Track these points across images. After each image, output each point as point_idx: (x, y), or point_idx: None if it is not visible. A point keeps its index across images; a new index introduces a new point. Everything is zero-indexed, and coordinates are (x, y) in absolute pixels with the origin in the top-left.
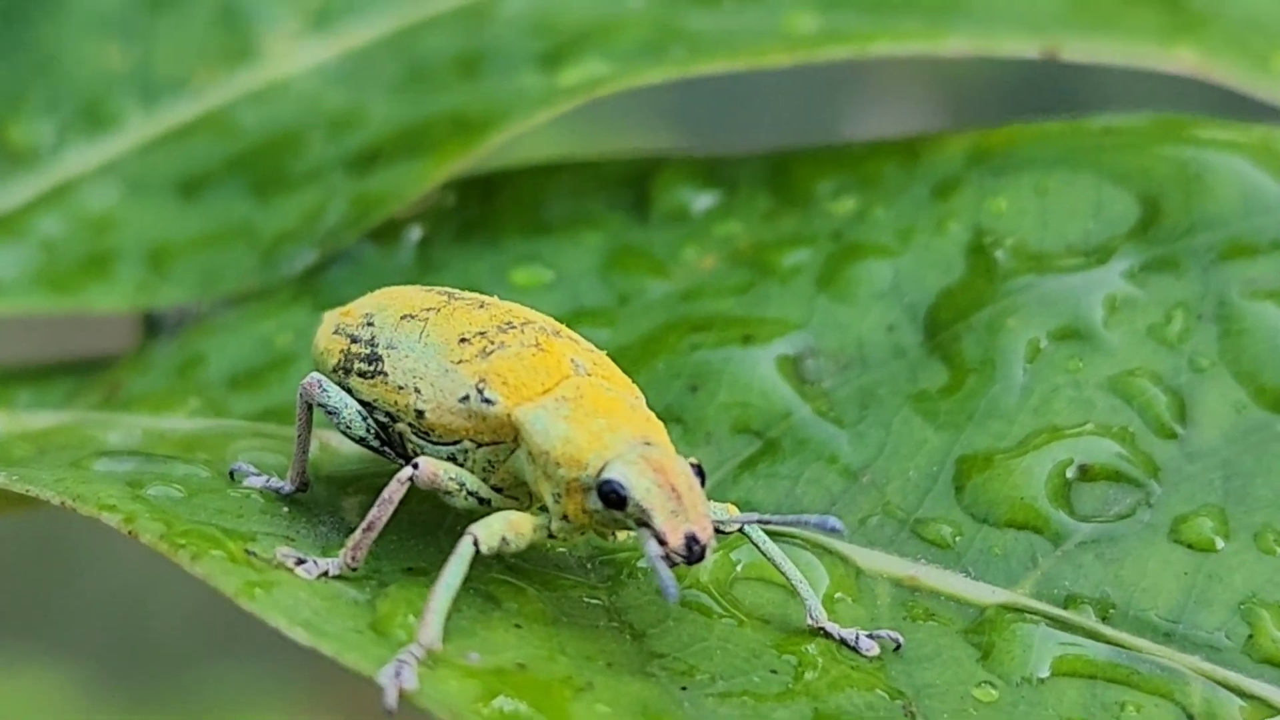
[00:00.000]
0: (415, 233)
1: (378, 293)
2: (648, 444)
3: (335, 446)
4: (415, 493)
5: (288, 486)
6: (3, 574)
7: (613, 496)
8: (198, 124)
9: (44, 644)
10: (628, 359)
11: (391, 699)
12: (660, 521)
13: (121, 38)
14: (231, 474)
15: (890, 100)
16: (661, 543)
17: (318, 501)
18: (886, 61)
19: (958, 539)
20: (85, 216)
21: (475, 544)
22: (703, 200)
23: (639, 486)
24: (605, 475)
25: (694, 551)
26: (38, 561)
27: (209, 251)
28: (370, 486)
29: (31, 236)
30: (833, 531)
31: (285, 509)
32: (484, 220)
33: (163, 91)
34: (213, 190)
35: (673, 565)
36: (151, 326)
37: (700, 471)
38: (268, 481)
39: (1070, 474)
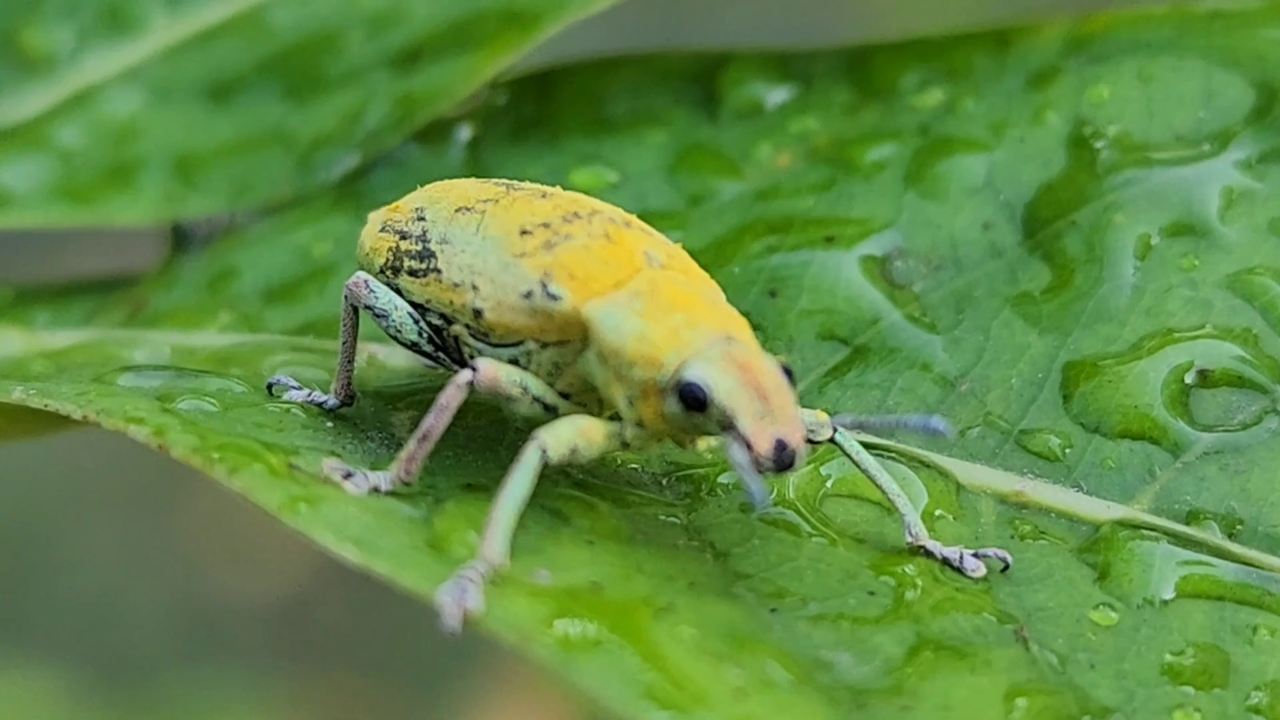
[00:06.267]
0: (464, 133)
1: (429, 186)
2: (730, 340)
3: (383, 360)
4: (473, 406)
5: (332, 400)
6: None
7: (693, 398)
8: (227, 25)
9: (22, 646)
10: (700, 264)
11: (453, 620)
12: (746, 424)
13: None
14: (270, 388)
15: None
16: (748, 448)
17: (365, 417)
18: None
19: (1067, 451)
20: (107, 125)
21: (543, 452)
22: (776, 95)
23: (721, 386)
24: (684, 375)
25: (783, 458)
26: (13, 562)
27: (240, 159)
28: (422, 402)
29: (49, 147)
30: (936, 433)
31: (329, 424)
32: (540, 119)
33: None
34: (243, 95)
35: (760, 473)
36: (179, 240)
37: (789, 372)
38: (310, 395)
39: (1189, 379)
